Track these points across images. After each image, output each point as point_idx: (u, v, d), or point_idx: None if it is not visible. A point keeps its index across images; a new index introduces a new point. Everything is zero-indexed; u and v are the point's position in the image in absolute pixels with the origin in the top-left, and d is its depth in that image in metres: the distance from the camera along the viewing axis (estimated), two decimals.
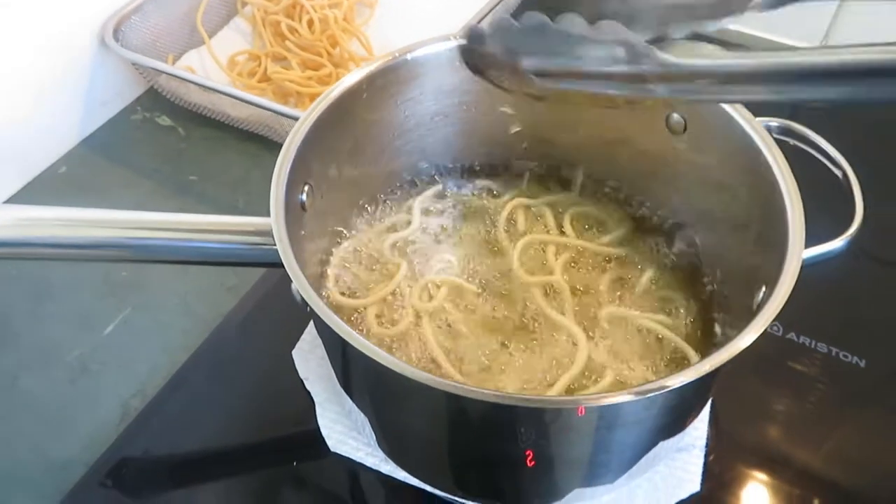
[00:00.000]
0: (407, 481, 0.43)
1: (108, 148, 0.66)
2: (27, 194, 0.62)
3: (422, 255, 0.47)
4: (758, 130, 0.40)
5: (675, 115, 0.44)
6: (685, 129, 0.44)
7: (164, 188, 0.62)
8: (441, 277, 0.45)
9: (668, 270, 0.46)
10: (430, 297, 0.44)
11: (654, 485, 0.43)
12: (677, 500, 0.42)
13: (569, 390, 0.40)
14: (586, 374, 0.41)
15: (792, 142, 0.42)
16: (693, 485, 0.43)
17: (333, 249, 0.47)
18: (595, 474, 0.39)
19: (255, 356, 0.50)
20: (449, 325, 0.43)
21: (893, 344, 0.50)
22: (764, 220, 0.38)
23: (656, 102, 0.37)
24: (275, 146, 0.60)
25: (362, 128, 0.46)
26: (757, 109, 0.39)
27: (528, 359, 0.41)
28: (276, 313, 0.52)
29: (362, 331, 0.44)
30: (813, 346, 0.49)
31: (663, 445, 0.41)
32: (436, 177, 0.51)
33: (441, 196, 0.50)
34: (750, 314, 0.33)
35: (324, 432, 0.45)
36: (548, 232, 0.48)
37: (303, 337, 0.50)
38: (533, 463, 0.36)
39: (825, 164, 0.42)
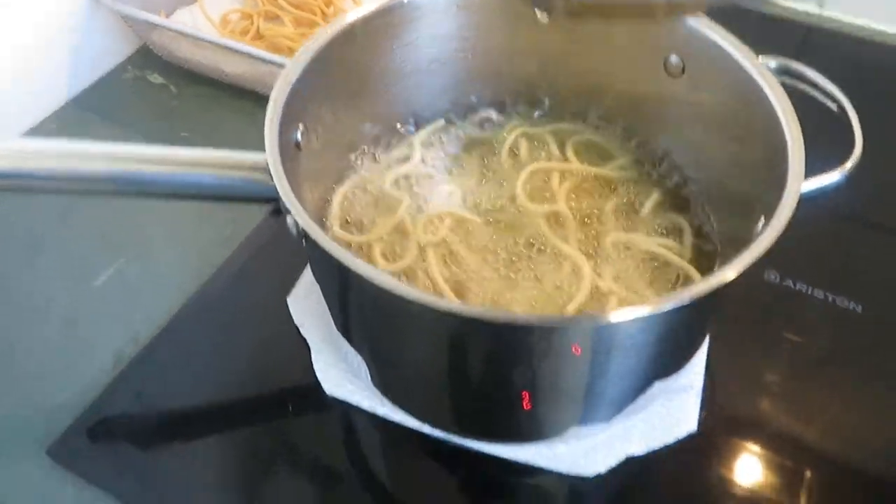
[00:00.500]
0: (404, 423, 0.43)
1: (99, 106, 0.65)
2: None
3: (424, 189, 0.47)
4: (757, 67, 0.40)
5: (674, 58, 0.44)
6: (683, 71, 0.44)
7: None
8: (444, 210, 0.45)
9: (673, 196, 0.46)
10: (434, 230, 0.44)
11: (651, 424, 0.42)
12: (674, 438, 0.42)
13: None
14: (592, 300, 0.41)
15: (790, 81, 0.42)
16: (690, 425, 0.43)
17: (334, 187, 0.46)
18: (592, 407, 0.38)
19: (249, 305, 0.50)
20: (454, 257, 0.43)
21: (890, 288, 0.50)
22: (765, 155, 0.38)
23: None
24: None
25: (357, 71, 0.46)
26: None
27: (533, 288, 0.41)
28: (270, 264, 0.52)
29: None
30: (810, 292, 0.49)
31: (659, 386, 0.41)
32: (436, 117, 0.51)
33: (442, 131, 0.50)
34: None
35: (319, 376, 0.45)
36: (551, 160, 0.48)
37: (297, 284, 0.49)
38: (530, 393, 0.36)
39: (824, 109, 0.42)
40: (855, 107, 0.40)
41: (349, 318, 0.40)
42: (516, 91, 0.51)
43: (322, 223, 0.45)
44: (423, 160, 0.48)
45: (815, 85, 0.42)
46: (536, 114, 0.51)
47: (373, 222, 0.45)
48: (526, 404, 0.37)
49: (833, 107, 0.40)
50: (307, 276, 0.50)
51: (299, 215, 0.33)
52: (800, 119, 0.37)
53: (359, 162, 0.48)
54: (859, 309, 0.48)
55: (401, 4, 0.45)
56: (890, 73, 0.67)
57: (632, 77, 0.47)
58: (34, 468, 0.42)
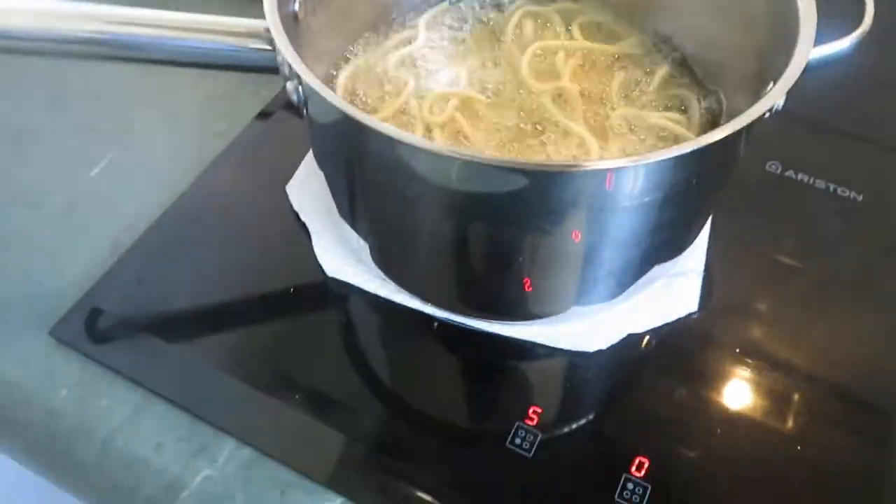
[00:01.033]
0: (405, 304, 0.43)
1: None
2: None
3: (430, 69, 0.46)
4: None
5: None
6: None
7: None
8: (450, 90, 0.44)
9: (680, 73, 0.46)
10: (441, 110, 0.43)
11: (652, 305, 0.43)
12: (675, 317, 0.42)
13: None
14: None
15: None
16: (690, 305, 0.43)
17: (335, 73, 0.45)
18: (592, 282, 0.38)
19: (247, 194, 0.49)
20: (460, 137, 0.42)
21: (890, 176, 0.50)
22: (775, 20, 0.37)
23: None
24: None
25: None
26: None
27: None
28: (266, 155, 0.51)
29: None
30: (811, 182, 0.49)
31: (659, 270, 0.41)
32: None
33: (447, 12, 0.49)
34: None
35: (320, 260, 0.45)
36: (557, 38, 0.47)
37: (296, 174, 0.49)
38: (530, 261, 0.35)
39: None
40: None
41: (353, 190, 0.39)
42: None
43: None
44: (428, 41, 0.47)
45: None
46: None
47: (378, 104, 0.44)
48: (525, 275, 0.37)
49: None
50: (306, 165, 0.49)
51: (303, 73, 0.32)
52: None
53: (360, 45, 0.47)
54: (860, 198, 0.48)
55: None
56: None
57: None
58: (38, 348, 0.42)
